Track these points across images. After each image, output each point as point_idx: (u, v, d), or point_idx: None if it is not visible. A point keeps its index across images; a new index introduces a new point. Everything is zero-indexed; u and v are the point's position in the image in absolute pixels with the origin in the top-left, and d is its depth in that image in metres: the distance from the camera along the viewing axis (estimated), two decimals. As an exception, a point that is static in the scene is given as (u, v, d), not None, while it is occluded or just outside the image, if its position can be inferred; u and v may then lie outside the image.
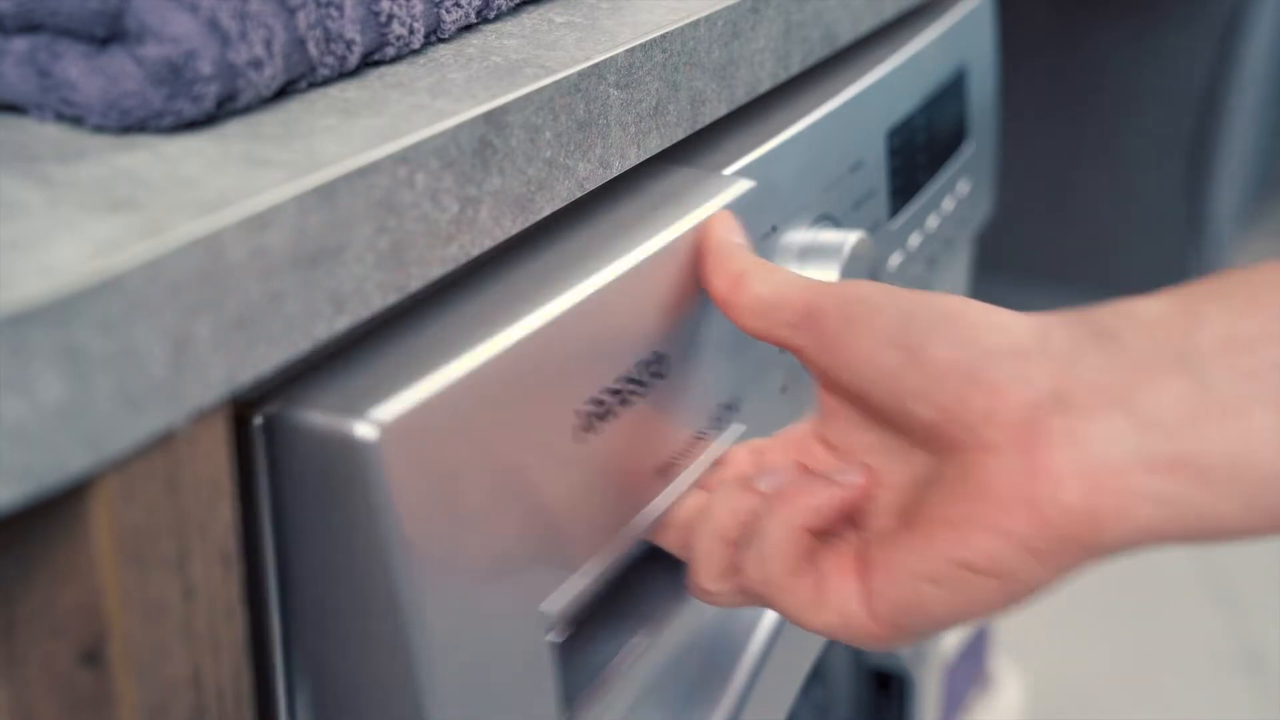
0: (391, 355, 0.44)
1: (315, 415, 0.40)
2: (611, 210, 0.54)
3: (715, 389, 0.56)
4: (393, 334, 0.45)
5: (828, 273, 0.64)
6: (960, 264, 0.98)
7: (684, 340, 0.53)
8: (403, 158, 0.41)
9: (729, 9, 0.58)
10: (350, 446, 0.40)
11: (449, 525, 0.43)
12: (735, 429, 0.58)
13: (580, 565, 0.49)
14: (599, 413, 0.49)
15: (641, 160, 0.53)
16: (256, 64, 0.42)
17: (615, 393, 0.49)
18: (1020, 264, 2.42)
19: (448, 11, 0.50)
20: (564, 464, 0.48)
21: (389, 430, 0.40)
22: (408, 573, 0.41)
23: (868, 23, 0.74)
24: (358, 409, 0.40)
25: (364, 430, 0.40)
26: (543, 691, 0.48)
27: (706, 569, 0.48)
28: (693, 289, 0.53)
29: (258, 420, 0.41)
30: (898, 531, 0.43)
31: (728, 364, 0.57)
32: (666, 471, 0.53)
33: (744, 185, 0.57)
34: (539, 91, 0.47)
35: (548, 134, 0.48)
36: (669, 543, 0.52)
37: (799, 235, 0.64)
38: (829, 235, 0.65)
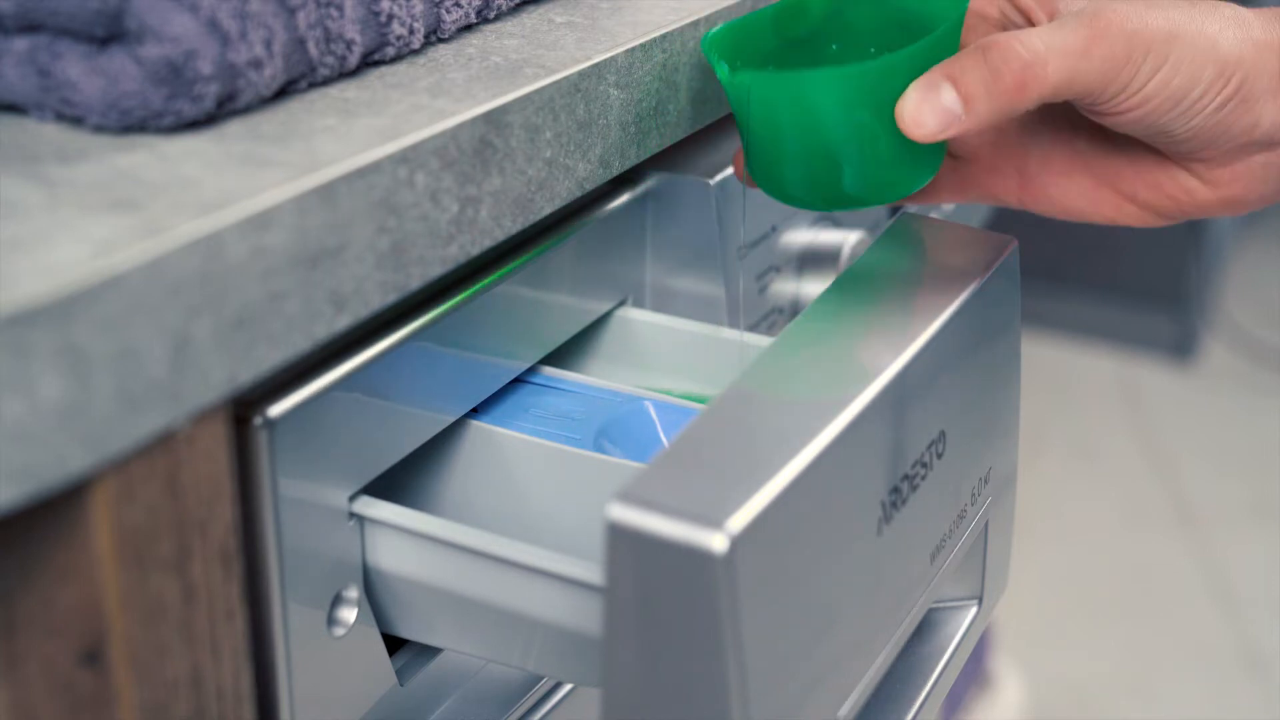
0: (715, 450, 0.41)
1: (660, 520, 0.38)
2: (887, 269, 0.52)
3: (979, 461, 0.54)
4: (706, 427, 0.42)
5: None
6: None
7: (961, 413, 0.51)
8: (403, 158, 0.41)
9: (729, 9, 0.57)
10: (700, 557, 0.38)
11: (776, 633, 0.41)
12: (988, 502, 0.55)
13: (871, 665, 0.47)
14: (896, 501, 0.47)
15: (641, 160, 0.54)
16: (256, 64, 0.42)
17: (909, 478, 0.47)
18: (1020, 264, 2.42)
19: (448, 11, 0.50)
20: (867, 560, 0.45)
21: (738, 541, 0.38)
22: (741, 682, 0.39)
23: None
24: (709, 517, 0.38)
25: (716, 541, 0.38)
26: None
27: None
28: (970, 356, 0.51)
29: (258, 420, 0.41)
30: None
31: (993, 431, 0.55)
32: (936, 557, 0.51)
33: (1009, 242, 0.54)
34: (539, 91, 0.47)
35: (548, 134, 0.48)
36: None
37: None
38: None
